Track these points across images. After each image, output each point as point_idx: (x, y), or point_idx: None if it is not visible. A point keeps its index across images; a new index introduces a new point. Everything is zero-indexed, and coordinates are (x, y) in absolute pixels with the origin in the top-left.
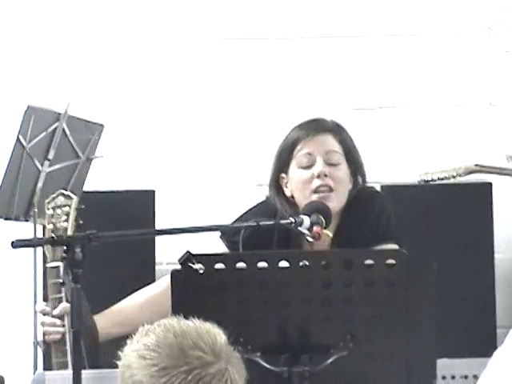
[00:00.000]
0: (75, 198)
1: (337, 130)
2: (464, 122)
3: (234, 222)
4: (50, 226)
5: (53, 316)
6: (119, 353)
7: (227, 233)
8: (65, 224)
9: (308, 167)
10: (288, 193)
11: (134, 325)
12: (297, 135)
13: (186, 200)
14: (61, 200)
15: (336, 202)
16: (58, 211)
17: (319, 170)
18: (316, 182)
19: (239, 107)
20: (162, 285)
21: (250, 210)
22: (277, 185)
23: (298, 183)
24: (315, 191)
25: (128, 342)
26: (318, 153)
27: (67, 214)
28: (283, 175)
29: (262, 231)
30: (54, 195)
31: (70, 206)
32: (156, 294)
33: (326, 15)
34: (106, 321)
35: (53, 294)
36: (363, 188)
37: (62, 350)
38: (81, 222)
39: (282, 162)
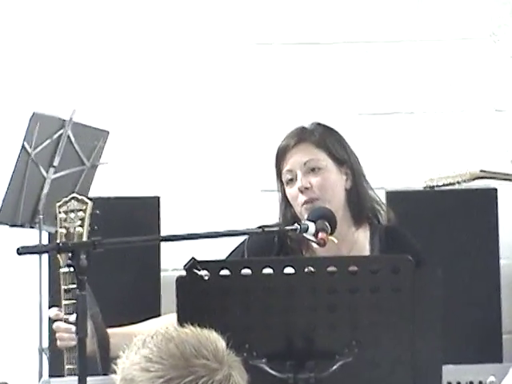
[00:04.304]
0: (90, 203)
1: (312, 134)
2: (469, 128)
3: (229, 255)
4: (63, 231)
5: (66, 322)
6: (113, 366)
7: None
8: (80, 229)
9: (292, 183)
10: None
11: None
12: (280, 153)
13: (190, 206)
14: (74, 204)
15: (327, 205)
16: (72, 215)
17: (299, 186)
18: (301, 198)
19: (244, 113)
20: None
21: (243, 242)
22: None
23: (289, 198)
24: (302, 204)
25: (122, 354)
26: (297, 167)
27: (82, 219)
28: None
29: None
30: (67, 199)
31: (84, 211)
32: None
33: (333, 22)
34: (116, 336)
35: (66, 300)
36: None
37: (75, 356)
38: (95, 227)
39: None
